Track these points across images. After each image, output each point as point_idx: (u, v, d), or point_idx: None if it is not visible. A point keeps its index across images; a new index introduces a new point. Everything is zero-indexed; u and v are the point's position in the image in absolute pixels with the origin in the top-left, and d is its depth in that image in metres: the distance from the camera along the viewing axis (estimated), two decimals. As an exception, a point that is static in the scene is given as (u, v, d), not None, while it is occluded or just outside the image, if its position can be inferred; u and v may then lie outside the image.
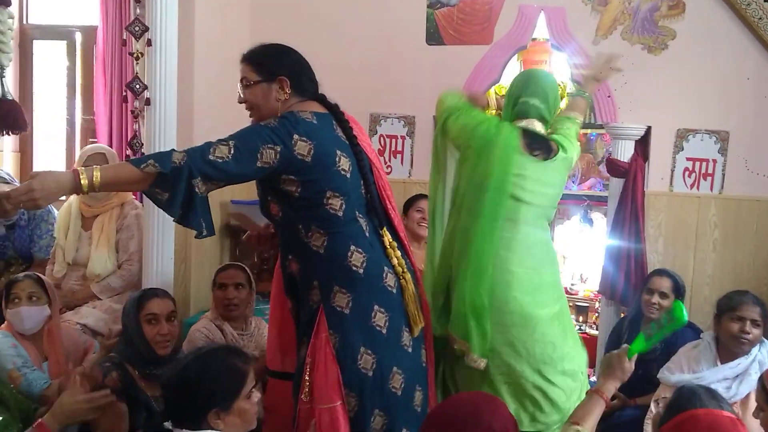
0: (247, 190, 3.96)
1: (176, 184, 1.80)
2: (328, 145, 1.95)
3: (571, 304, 4.50)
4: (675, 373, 2.74)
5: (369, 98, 3.87)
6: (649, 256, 3.57)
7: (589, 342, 3.40)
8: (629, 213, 3.56)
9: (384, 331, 2.02)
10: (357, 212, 2.01)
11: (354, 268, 1.99)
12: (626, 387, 3.22)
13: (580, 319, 4.46)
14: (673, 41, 3.47)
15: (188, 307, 3.45)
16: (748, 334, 2.61)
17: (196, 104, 3.44)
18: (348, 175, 1.97)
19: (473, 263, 2.32)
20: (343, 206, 1.97)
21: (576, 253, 4.59)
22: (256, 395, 1.85)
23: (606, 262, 3.67)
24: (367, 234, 2.03)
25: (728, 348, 2.67)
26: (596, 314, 4.15)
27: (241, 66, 2.08)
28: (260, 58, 2.06)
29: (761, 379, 2.04)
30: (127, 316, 2.48)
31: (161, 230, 3.00)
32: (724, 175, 3.51)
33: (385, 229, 2.06)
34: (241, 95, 2.08)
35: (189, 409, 1.74)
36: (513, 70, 4.17)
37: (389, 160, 3.91)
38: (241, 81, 2.08)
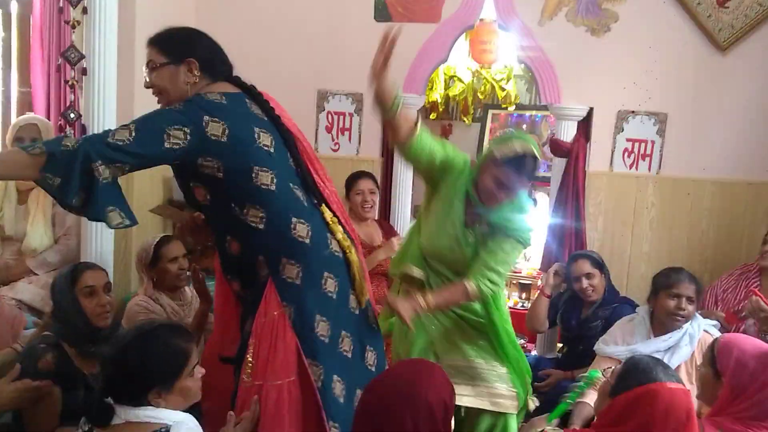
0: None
1: (69, 168, 1.72)
2: (243, 123, 1.93)
3: (514, 281, 4.62)
4: (610, 345, 2.83)
5: (316, 75, 3.84)
6: (589, 234, 3.67)
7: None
8: (571, 192, 3.65)
9: (334, 296, 2.03)
10: (291, 185, 2.00)
11: (300, 239, 1.97)
12: (566, 362, 3.35)
13: (523, 296, 4.55)
14: (616, 24, 3.54)
15: (129, 283, 3.37)
16: (684, 310, 2.69)
17: (138, 75, 3.30)
18: (272, 150, 1.95)
19: None
20: (275, 180, 1.94)
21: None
22: (200, 371, 1.83)
23: (548, 241, 3.76)
24: (306, 204, 2.02)
25: (662, 322, 2.75)
26: (538, 291, 4.24)
27: (147, 49, 2.03)
28: (167, 41, 2.02)
29: (714, 342, 2.12)
30: (60, 292, 2.39)
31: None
32: (661, 155, 3.61)
33: (324, 205, 2.06)
34: (147, 79, 2.02)
35: (129, 388, 1.71)
36: (458, 48, 4.21)
37: (337, 138, 3.90)
38: (147, 64, 2.02)
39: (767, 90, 3.45)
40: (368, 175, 3.52)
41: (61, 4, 3.22)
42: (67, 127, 3.31)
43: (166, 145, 1.81)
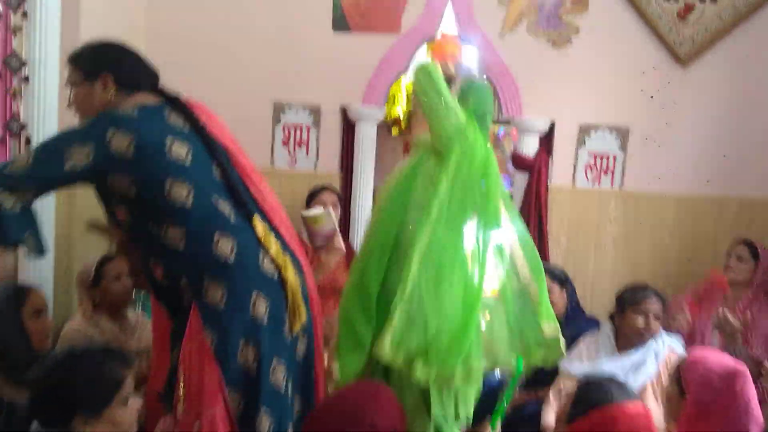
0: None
1: None
2: (153, 135, 1.82)
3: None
4: (574, 363, 2.76)
5: (272, 85, 3.72)
6: (552, 251, 3.59)
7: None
8: (533, 208, 3.58)
9: (265, 320, 1.87)
10: (215, 197, 1.87)
11: (223, 256, 1.84)
12: (529, 382, 3.26)
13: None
14: (577, 36, 3.50)
15: (71, 304, 3.19)
16: (650, 328, 2.64)
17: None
18: (187, 162, 1.83)
19: None
20: (192, 193, 1.82)
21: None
22: (136, 402, 1.70)
23: (510, 258, 3.67)
24: (233, 219, 1.88)
25: (629, 339, 2.69)
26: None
27: (68, 68, 1.96)
28: (81, 57, 1.94)
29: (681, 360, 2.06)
30: (1, 312, 2.25)
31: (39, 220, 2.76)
32: (624, 171, 3.57)
33: (257, 217, 1.91)
34: (70, 98, 1.96)
35: (53, 412, 1.61)
36: (421, 61, 4.14)
37: (293, 151, 3.77)
38: (66, 83, 1.95)
39: (729, 103, 3.43)
40: (331, 190, 3.43)
41: (1, 9, 3.07)
42: (11, 138, 3.15)
43: (67, 166, 1.74)
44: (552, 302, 3.03)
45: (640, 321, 2.65)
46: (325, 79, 3.67)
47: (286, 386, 1.92)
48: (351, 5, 3.62)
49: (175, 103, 1.93)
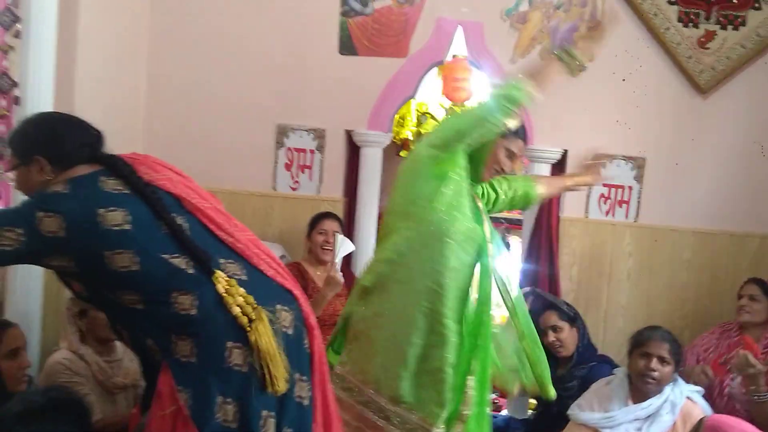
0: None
1: None
2: (83, 210, 1.71)
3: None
4: (585, 411, 2.62)
5: (276, 109, 3.61)
6: (563, 284, 3.46)
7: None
8: (544, 238, 3.46)
9: (244, 369, 1.72)
10: (165, 254, 1.74)
11: (183, 312, 1.71)
12: (539, 424, 3.11)
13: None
14: (592, 63, 3.36)
15: (58, 338, 3.06)
16: (654, 371, 2.50)
17: (78, 106, 3.09)
18: (127, 227, 1.71)
19: None
20: (137, 258, 1.71)
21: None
22: None
23: (521, 285, 3.53)
24: (192, 270, 1.75)
25: (639, 385, 2.55)
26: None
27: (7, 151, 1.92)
28: (14, 141, 1.88)
29: (700, 422, 1.93)
30: None
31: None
32: (639, 202, 3.43)
33: (218, 274, 1.76)
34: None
35: None
36: (430, 85, 4.03)
37: (296, 176, 3.66)
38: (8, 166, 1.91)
39: (750, 135, 3.30)
40: (335, 218, 3.32)
41: (-7, 28, 2.98)
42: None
43: (16, 246, 1.66)
44: (560, 341, 2.93)
45: (642, 364, 2.52)
46: (330, 103, 3.56)
47: None
48: (358, 28, 3.52)
49: (112, 166, 1.82)
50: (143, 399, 1.87)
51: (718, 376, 2.78)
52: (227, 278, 1.75)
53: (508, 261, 3.21)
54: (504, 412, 3.52)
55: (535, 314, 3.05)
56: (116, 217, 1.71)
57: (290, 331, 1.81)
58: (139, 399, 2.09)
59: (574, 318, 3.02)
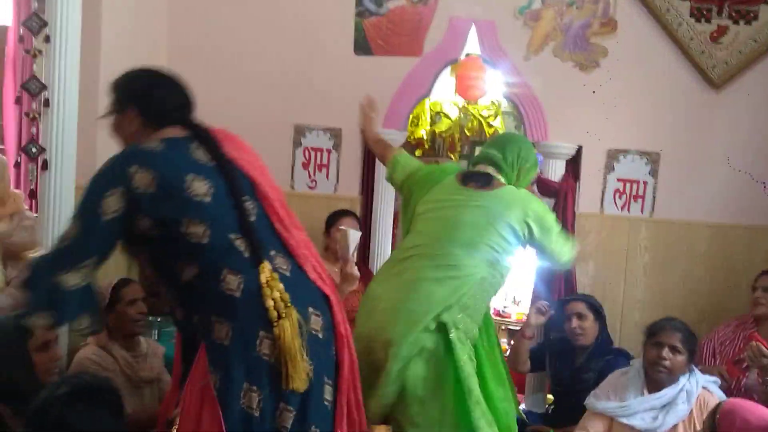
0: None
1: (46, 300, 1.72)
2: (175, 171, 1.76)
3: (503, 327, 4.42)
4: (601, 400, 2.64)
5: (293, 109, 3.67)
6: (580, 279, 3.48)
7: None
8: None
9: (272, 360, 1.77)
10: (231, 234, 1.80)
11: (229, 292, 1.76)
12: (556, 417, 3.14)
13: (512, 342, 4.34)
14: (605, 59, 3.41)
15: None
16: (665, 360, 2.52)
17: (101, 106, 3.15)
18: (207, 200, 1.76)
19: None
20: (208, 232, 1.76)
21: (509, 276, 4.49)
22: None
23: (536, 284, 3.57)
24: (246, 254, 1.81)
25: (653, 375, 2.57)
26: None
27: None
28: (114, 87, 1.93)
29: (717, 407, 1.95)
30: (7, 345, 2.20)
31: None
32: (654, 197, 3.45)
33: (265, 264, 1.80)
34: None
35: None
36: (444, 83, 4.08)
37: (314, 174, 3.72)
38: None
39: (763, 129, 3.31)
40: (353, 216, 3.37)
41: (21, 33, 3.07)
42: (29, 162, 3.14)
43: (105, 218, 1.71)
44: (583, 329, 2.97)
45: (653, 353, 2.55)
46: (346, 103, 3.60)
47: (297, 429, 1.80)
48: (373, 28, 3.57)
49: (202, 136, 1.87)
50: (182, 381, 1.93)
51: (733, 377, 2.78)
52: (271, 270, 1.79)
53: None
54: (522, 407, 3.55)
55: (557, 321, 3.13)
56: (201, 188, 1.77)
57: (321, 335, 1.85)
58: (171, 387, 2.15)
59: (598, 311, 3.07)
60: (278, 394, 1.77)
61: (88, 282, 1.74)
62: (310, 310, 1.84)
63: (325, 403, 1.86)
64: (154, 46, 3.67)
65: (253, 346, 1.76)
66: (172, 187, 1.74)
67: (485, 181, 2.43)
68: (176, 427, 1.81)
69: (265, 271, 1.78)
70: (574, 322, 3.01)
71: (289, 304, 1.77)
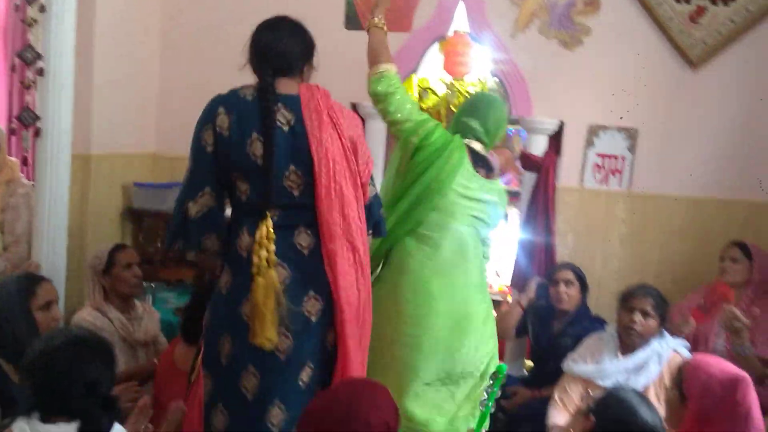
0: (152, 172, 3.80)
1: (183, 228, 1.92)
2: (246, 123, 1.88)
3: (485, 298, 4.53)
4: (578, 363, 2.77)
5: (284, 82, 3.73)
6: (559, 250, 3.60)
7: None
8: (541, 207, 3.59)
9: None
10: (256, 193, 1.93)
11: (240, 251, 1.90)
12: (534, 380, 3.27)
13: (494, 313, 4.46)
14: (588, 38, 3.51)
15: (82, 294, 3.23)
16: (636, 323, 2.65)
17: (97, 75, 3.23)
18: (258, 161, 1.87)
19: None
20: (248, 190, 1.89)
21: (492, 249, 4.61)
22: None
23: (518, 256, 3.69)
24: (254, 195, 1.94)
25: (626, 339, 2.70)
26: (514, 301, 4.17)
27: None
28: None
29: (683, 364, 2.06)
30: (9, 306, 2.27)
31: (53, 211, 2.80)
32: (632, 172, 3.57)
33: (268, 218, 1.87)
34: None
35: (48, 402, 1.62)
36: (432, 60, 4.15)
37: (304, 147, 3.79)
38: None
39: (739, 107, 3.42)
40: None
41: (17, 2, 3.11)
42: (24, 129, 3.19)
43: (208, 149, 1.89)
44: (569, 295, 3.11)
45: (626, 317, 2.68)
46: (336, 77, 3.60)
47: (254, 400, 1.89)
48: (364, 3, 3.64)
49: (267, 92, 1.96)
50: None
51: (699, 322, 2.90)
52: (271, 229, 1.87)
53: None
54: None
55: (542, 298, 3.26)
56: (258, 149, 1.92)
57: (313, 318, 1.92)
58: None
59: (582, 281, 3.20)
60: (247, 355, 1.88)
61: (210, 208, 1.88)
62: (311, 293, 1.92)
63: (300, 383, 1.91)
64: (148, 14, 3.71)
65: (240, 303, 1.89)
66: (238, 137, 1.91)
67: (489, 168, 2.56)
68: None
69: (266, 225, 1.87)
70: (562, 287, 3.13)
71: (271, 267, 1.85)
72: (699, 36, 3.40)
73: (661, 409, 2.43)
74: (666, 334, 2.72)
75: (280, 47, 2.03)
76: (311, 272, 1.91)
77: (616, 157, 3.57)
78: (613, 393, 1.81)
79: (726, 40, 3.39)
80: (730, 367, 1.91)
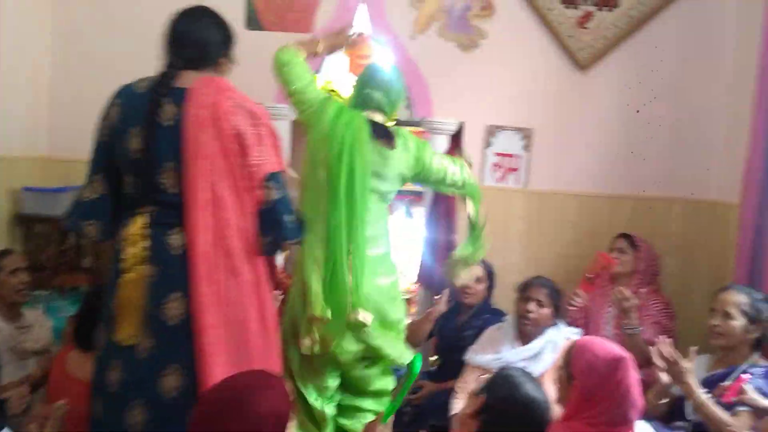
0: (42, 176, 3.63)
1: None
2: (131, 117, 1.89)
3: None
4: (479, 354, 2.86)
5: (183, 83, 3.66)
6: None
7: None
8: (444, 205, 3.67)
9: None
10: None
11: (118, 245, 1.92)
12: (440, 374, 3.34)
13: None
14: (484, 41, 3.63)
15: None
16: (531, 312, 2.77)
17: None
18: (136, 156, 1.88)
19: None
20: (129, 185, 1.91)
21: (399, 248, 4.67)
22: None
23: (423, 253, 3.76)
24: (137, 190, 1.96)
25: (523, 328, 2.81)
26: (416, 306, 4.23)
27: None
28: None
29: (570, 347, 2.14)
30: None
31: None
32: (528, 170, 3.72)
33: (141, 215, 1.86)
34: None
35: None
36: (337, 62, 4.17)
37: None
38: None
39: (624, 107, 3.63)
40: None
41: None
42: None
43: (104, 138, 2.00)
44: (476, 291, 3.17)
45: (522, 306, 2.80)
46: (238, 77, 3.56)
47: (119, 394, 1.88)
48: (264, 4, 3.62)
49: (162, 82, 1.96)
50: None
51: (587, 291, 3.01)
52: (146, 224, 1.88)
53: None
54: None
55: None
56: (136, 143, 1.95)
57: (175, 321, 1.86)
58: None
59: (490, 275, 3.28)
60: (113, 348, 1.90)
61: (101, 195, 1.91)
62: (175, 294, 1.86)
63: (162, 385, 1.86)
64: (39, 8, 3.56)
65: (111, 297, 1.91)
66: (118, 129, 1.99)
67: (389, 137, 2.50)
68: None
69: (140, 220, 1.87)
70: (471, 283, 3.18)
71: (139, 264, 1.85)
72: (587, 40, 3.59)
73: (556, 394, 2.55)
74: (560, 323, 2.84)
75: (197, 35, 1.97)
76: (177, 274, 1.85)
77: (513, 156, 3.70)
78: (501, 372, 1.89)
79: (611, 44, 3.59)
80: (614, 348, 2.02)
